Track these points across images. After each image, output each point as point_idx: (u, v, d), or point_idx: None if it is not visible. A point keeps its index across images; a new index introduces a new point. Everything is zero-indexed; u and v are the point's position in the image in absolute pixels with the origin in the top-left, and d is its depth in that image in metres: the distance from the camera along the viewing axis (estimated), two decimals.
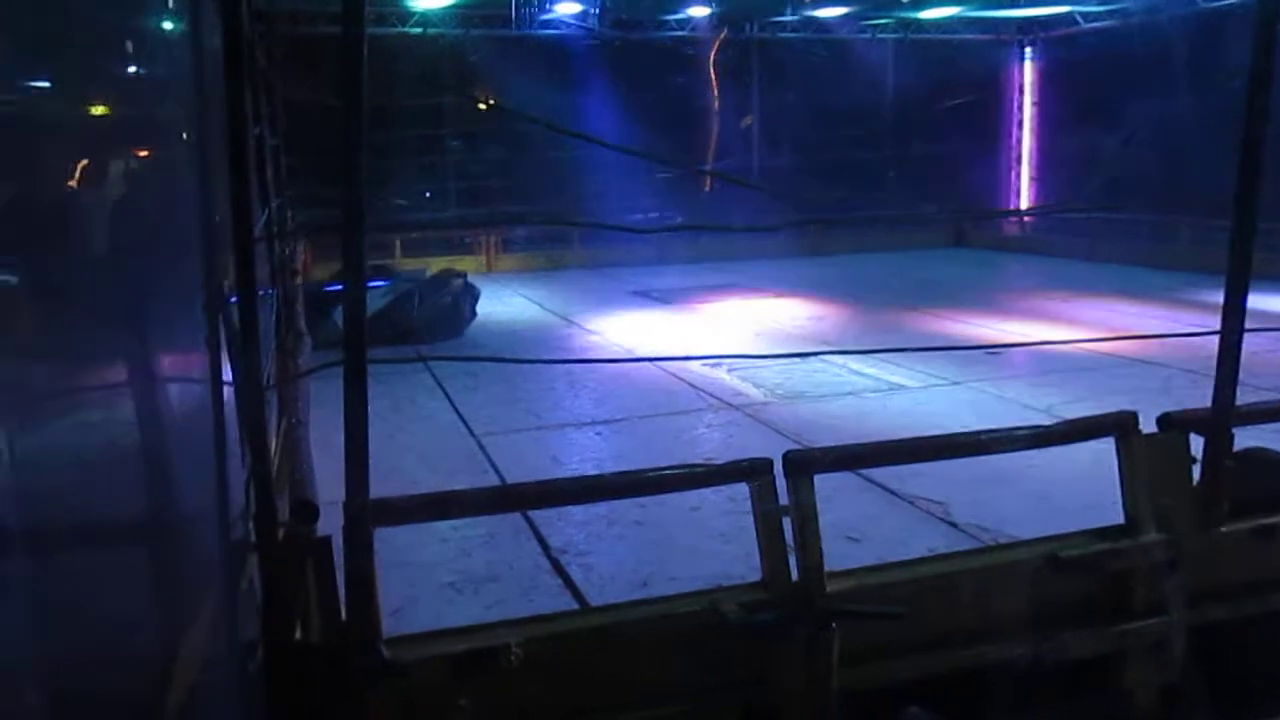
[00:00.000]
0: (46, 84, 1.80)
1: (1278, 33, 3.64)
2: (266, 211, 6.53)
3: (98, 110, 2.27)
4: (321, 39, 16.27)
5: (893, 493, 5.82)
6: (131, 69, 2.51)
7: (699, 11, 18.92)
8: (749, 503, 3.55)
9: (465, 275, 12.78)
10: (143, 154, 2.74)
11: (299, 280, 11.81)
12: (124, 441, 2.19)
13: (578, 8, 18.17)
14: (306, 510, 3.28)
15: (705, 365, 9.47)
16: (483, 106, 19.86)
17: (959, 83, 20.96)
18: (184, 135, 3.12)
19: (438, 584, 4.76)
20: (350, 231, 2.89)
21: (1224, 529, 3.86)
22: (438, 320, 11.80)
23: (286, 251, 10.55)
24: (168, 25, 3.03)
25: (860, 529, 5.09)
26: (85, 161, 2.09)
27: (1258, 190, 3.72)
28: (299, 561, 3.16)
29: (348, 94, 2.82)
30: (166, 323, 2.54)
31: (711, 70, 20.30)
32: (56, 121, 1.91)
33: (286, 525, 3.28)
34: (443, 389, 8.87)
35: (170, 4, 3.08)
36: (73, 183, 1.97)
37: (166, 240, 2.72)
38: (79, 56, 2.04)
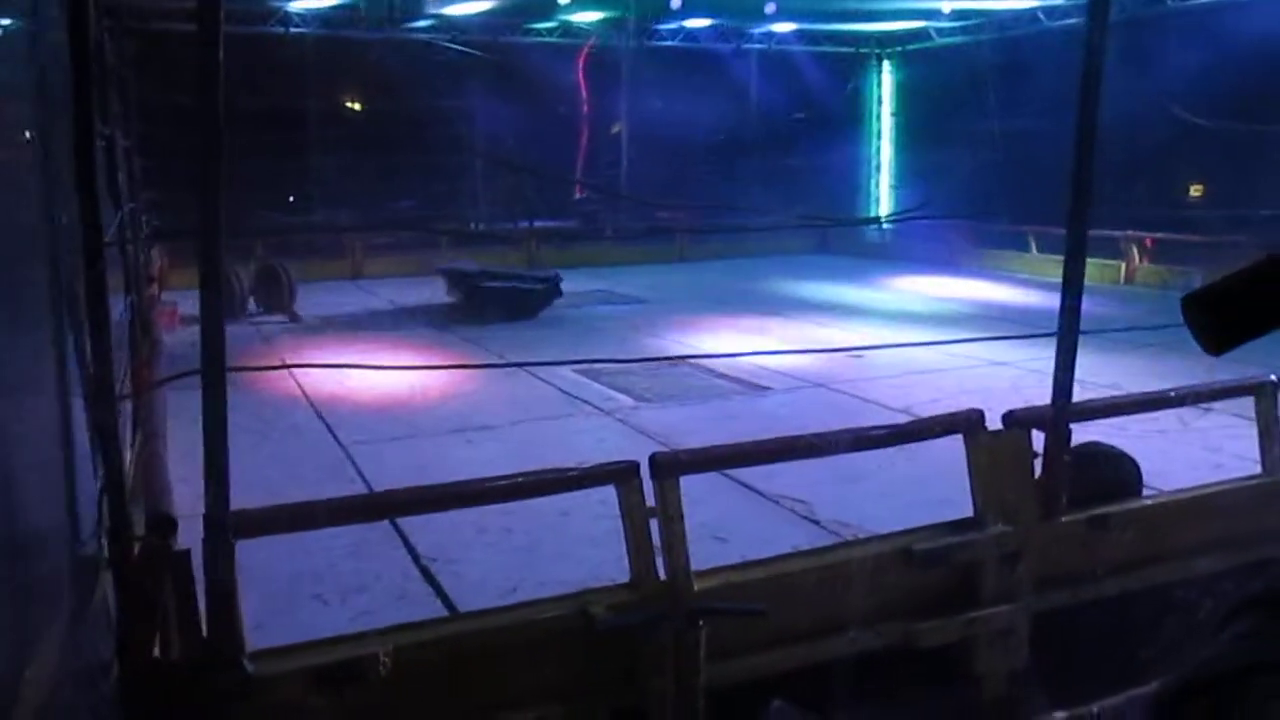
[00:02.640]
0: None
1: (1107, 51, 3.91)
2: (119, 216, 6.29)
3: None
4: (175, 36, 15.68)
5: (758, 492, 5.96)
6: None
7: (588, 16, 18.92)
8: (618, 506, 3.61)
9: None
10: None
11: (154, 287, 11.42)
12: None
13: (460, 10, 17.97)
14: (164, 523, 3.20)
15: (576, 371, 9.50)
16: (354, 106, 19.47)
17: (821, 93, 21.56)
18: (26, 135, 3.00)
19: (304, 595, 4.66)
20: (207, 240, 2.84)
21: (1063, 519, 4.10)
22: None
23: (141, 258, 10.17)
24: (7, 21, 2.91)
25: (727, 529, 5.20)
26: None
27: (1089, 201, 3.98)
28: (157, 576, 3.07)
29: (203, 102, 2.77)
30: (5, 330, 2.44)
31: (580, 77, 20.39)
32: None
33: (143, 539, 3.19)
34: (308, 397, 8.67)
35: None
36: None
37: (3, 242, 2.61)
38: None
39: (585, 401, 8.61)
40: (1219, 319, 0.90)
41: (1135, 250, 15.83)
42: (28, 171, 2.85)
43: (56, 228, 3.01)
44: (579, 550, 5.10)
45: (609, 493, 3.67)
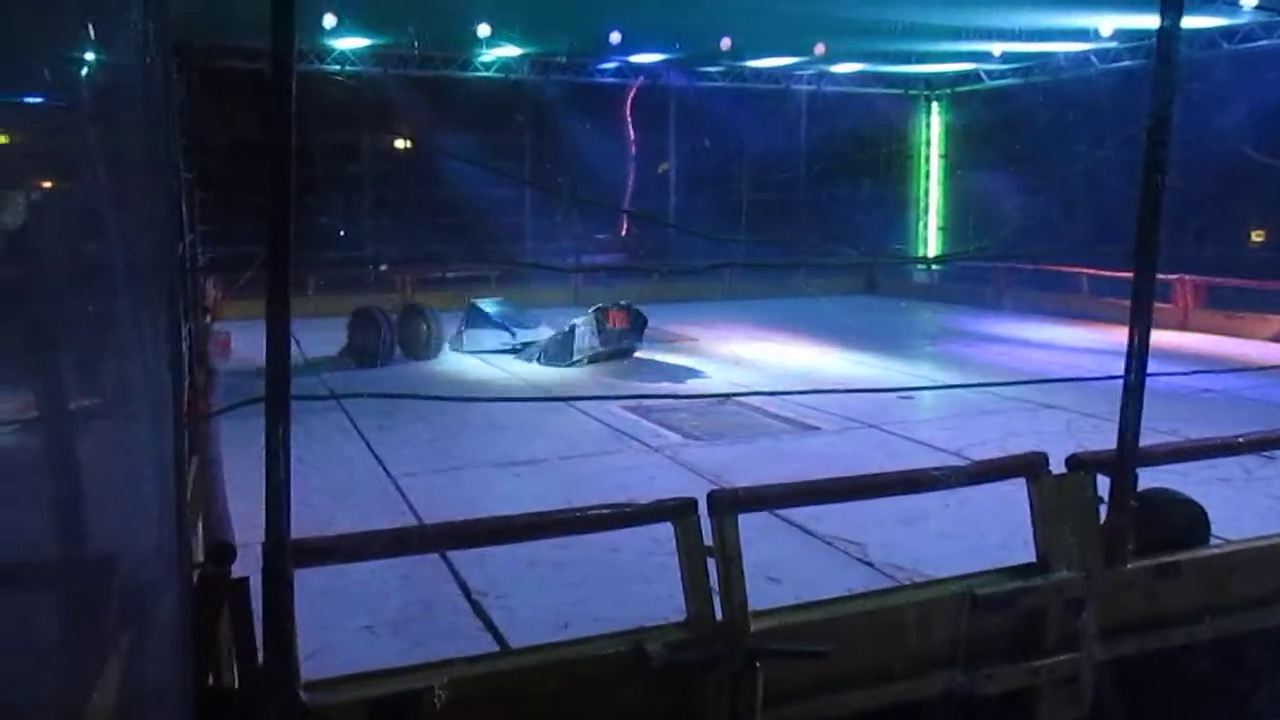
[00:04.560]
0: None
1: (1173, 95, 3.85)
2: (181, 246, 6.39)
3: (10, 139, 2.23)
4: (235, 74, 16.06)
5: (810, 533, 5.89)
6: (60, 99, 2.47)
7: (647, 58, 19.11)
8: (669, 544, 3.57)
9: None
10: (62, 181, 2.68)
11: (209, 317, 11.60)
12: (28, 478, 2.12)
13: (516, 51, 18.27)
14: (223, 550, 3.20)
15: (623, 407, 9.49)
16: (403, 144, 19.83)
17: (870, 134, 21.59)
18: (99, 165, 3.06)
19: (354, 627, 4.66)
20: (277, 273, 2.87)
21: (1129, 566, 4.00)
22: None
23: (198, 288, 10.34)
24: (92, 55, 2.98)
25: (779, 569, 5.13)
26: None
27: (1157, 243, 3.91)
28: (215, 604, 3.08)
29: (277, 143, 2.81)
30: (77, 356, 2.47)
31: (629, 116, 20.56)
32: None
33: (202, 566, 3.20)
34: (356, 428, 8.72)
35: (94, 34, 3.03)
36: None
37: (78, 271, 2.65)
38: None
39: (633, 438, 8.59)
40: None
41: (1191, 294, 15.57)
42: (107, 201, 2.90)
43: (134, 257, 3.05)
44: (630, 587, 5.06)
45: (659, 529, 3.63)
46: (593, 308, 12.74)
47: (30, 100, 2.26)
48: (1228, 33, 15.21)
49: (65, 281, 2.31)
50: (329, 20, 15.87)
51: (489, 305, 14.04)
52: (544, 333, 13.33)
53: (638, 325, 13.08)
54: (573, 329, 12.54)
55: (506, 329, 13.57)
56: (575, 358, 12.41)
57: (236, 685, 3.13)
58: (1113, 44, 16.70)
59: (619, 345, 12.82)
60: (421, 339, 13.20)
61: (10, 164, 2.21)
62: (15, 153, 2.22)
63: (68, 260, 2.43)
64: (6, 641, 2.04)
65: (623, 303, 13.00)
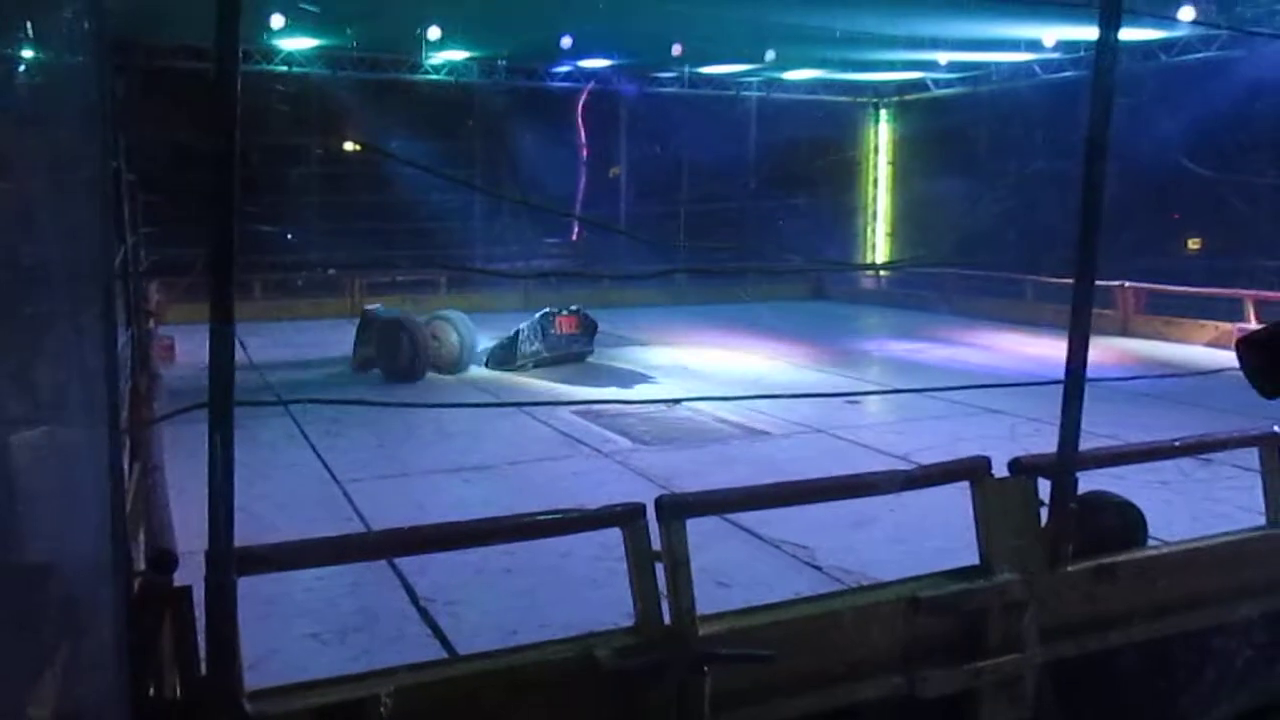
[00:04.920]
0: None
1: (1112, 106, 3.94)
2: (123, 249, 6.28)
3: None
4: (180, 74, 15.83)
5: (759, 537, 5.92)
6: None
7: (599, 63, 19.13)
8: (619, 549, 3.58)
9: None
10: None
11: (152, 321, 11.39)
12: None
13: (466, 54, 18.21)
14: (165, 559, 3.15)
15: (573, 412, 9.49)
16: (351, 147, 19.66)
17: (818, 141, 21.79)
18: (35, 164, 3.00)
19: (300, 635, 4.61)
20: (220, 276, 2.84)
21: (1069, 568, 4.07)
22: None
23: (140, 292, 10.15)
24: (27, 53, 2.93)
25: (728, 574, 5.15)
26: None
27: (1096, 252, 4.00)
28: (156, 613, 3.03)
29: (220, 145, 2.78)
30: (8, 362, 2.42)
31: (579, 120, 20.55)
32: None
33: (143, 575, 3.14)
34: (304, 435, 8.62)
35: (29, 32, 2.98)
36: None
37: (9, 274, 2.60)
38: None
39: (583, 443, 8.59)
40: (1274, 361, 0.89)
41: (1131, 300, 15.89)
42: (38, 201, 2.84)
43: (64, 259, 3.00)
44: (580, 592, 5.06)
45: (609, 535, 3.64)
46: (539, 312, 12.70)
47: None
48: (1166, 45, 15.56)
49: None
50: (276, 20, 15.70)
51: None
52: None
53: (588, 330, 13.06)
54: (517, 333, 12.49)
55: None
56: (519, 362, 12.35)
57: (179, 695, 3.09)
58: (1055, 55, 17.02)
59: (568, 350, 12.79)
60: (452, 352, 12.23)
61: None
62: None
63: None
64: None
65: (573, 308, 12.96)
